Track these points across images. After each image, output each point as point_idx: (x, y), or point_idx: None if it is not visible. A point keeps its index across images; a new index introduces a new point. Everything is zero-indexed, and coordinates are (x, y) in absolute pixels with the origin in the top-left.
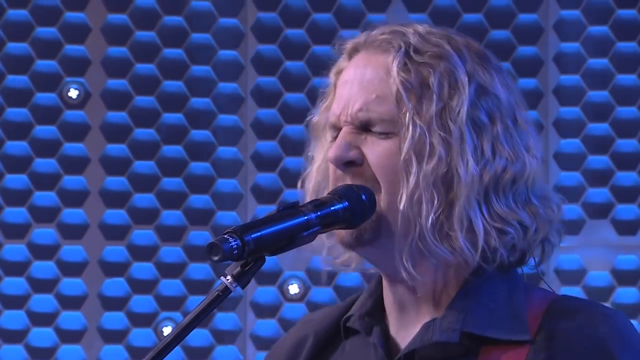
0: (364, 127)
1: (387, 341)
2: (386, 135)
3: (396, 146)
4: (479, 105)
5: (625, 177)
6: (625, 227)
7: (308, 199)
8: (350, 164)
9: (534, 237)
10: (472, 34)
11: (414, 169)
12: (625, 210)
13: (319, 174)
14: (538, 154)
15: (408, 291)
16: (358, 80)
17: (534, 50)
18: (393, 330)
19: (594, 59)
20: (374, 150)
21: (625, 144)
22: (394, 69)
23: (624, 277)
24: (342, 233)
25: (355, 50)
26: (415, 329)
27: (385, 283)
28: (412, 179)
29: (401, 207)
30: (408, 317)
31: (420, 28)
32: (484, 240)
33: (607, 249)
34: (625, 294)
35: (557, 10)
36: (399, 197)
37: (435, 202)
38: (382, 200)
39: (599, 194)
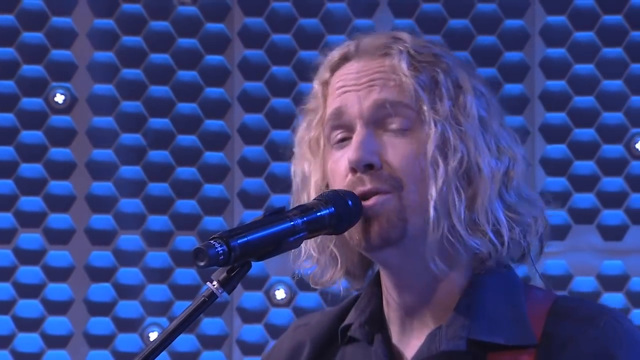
0: (379, 124)
1: (390, 350)
2: (403, 132)
3: (415, 144)
4: (479, 104)
5: (611, 183)
6: (611, 233)
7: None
8: (369, 166)
9: (537, 229)
10: (459, 40)
11: (440, 167)
12: (611, 216)
13: (317, 189)
14: (522, 153)
15: (415, 296)
16: (364, 80)
17: (520, 55)
18: (395, 338)
19: (580, 64)
20: (395, 151)
21: (612, 150)
22: (404, 68)
23: (610, 282)
24: (361, 235)
25: (344, 59)
26: (419, 336)
27: (390, 288)
28: (440, 177)
29: (432, 204)
30: (412, 324)
31: (406, 35)
32: (509, 231)
33: (593, 255)
34: (612, 300)
35: (543, 15)
36: (429, 196)
37: (462, 196)
38: (405, 199)
39: (584, 199)
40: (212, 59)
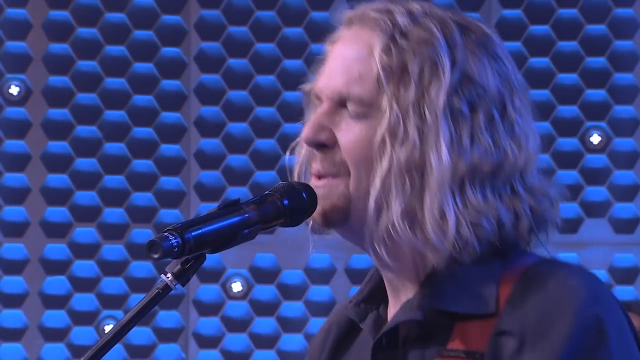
0: (342, 104)
1: (380, 324)
2: (360, 117)
3: (369, 130)
4: (460, 95)
5: (566, 176)
6: (566, 226)
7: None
8: (322, 145)
9: (513, 233)
10: None
11: (387, 153)
12: (566, 209)
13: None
14: (531, 146)
15: (391, 272)
16: (342, 55)
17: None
18: (391, 312)
19: (535, 58)
20: (347, 133)
21: (567, 143)
22: (377, 50)
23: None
24: (313, 220)
25: (349, 22)
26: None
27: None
28: (384, 163)
29: (373, 191)
30: (399, 296)
31: (417, 7)
32: (455, 230)
33: (548, 247)
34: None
35: (499, 9)
36: (371, 181)
37: (407, 189)
38: (350, 185)
39: None
40: (168, 51)
